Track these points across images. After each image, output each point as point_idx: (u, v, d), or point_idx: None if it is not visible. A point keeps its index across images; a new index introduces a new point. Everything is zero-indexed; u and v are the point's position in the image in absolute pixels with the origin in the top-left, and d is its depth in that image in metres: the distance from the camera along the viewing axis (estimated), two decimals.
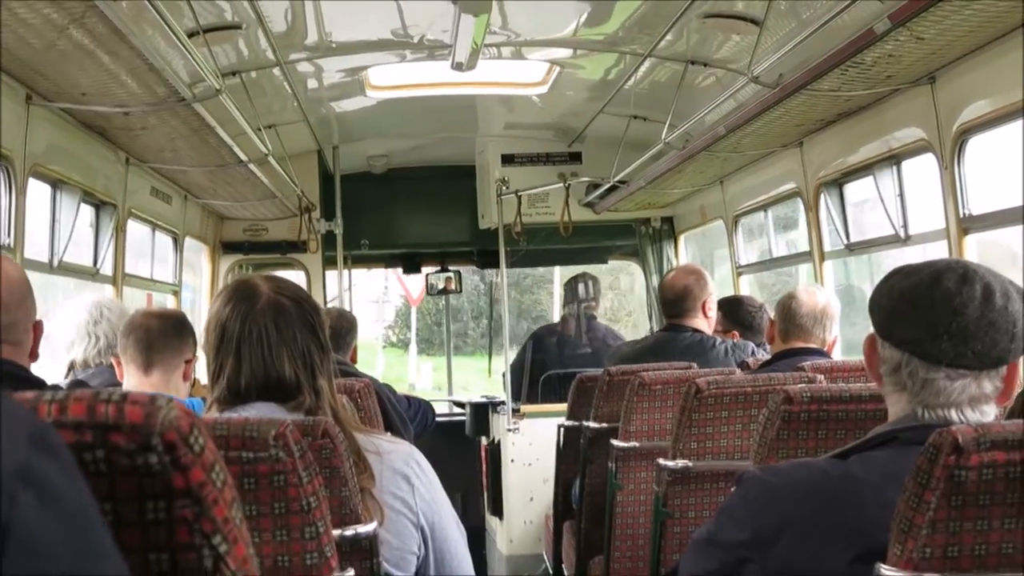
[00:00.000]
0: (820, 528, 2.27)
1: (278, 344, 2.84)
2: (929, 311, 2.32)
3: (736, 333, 6.84)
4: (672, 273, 6.64)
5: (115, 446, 1.14)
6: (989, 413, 2.35)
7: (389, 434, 3.17)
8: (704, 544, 2.53)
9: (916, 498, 2.00)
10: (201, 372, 7.07)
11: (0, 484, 0.89)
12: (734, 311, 6.82)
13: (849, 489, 2.29)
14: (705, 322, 6.23)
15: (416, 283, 14.92)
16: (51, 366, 4.92)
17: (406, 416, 5.67)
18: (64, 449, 1.00)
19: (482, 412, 9.20)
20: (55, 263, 5.43)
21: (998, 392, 2.35)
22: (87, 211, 5.99)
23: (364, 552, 2.65)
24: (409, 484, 2.89)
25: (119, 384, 4.25)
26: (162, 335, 4.19)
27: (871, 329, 2.48)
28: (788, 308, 5.16)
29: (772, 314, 5.40)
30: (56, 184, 5.43)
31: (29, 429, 0.97)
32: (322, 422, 2.60)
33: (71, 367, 4.89)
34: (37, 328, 3.16)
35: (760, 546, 2.33)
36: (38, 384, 3.09)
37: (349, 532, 2.60)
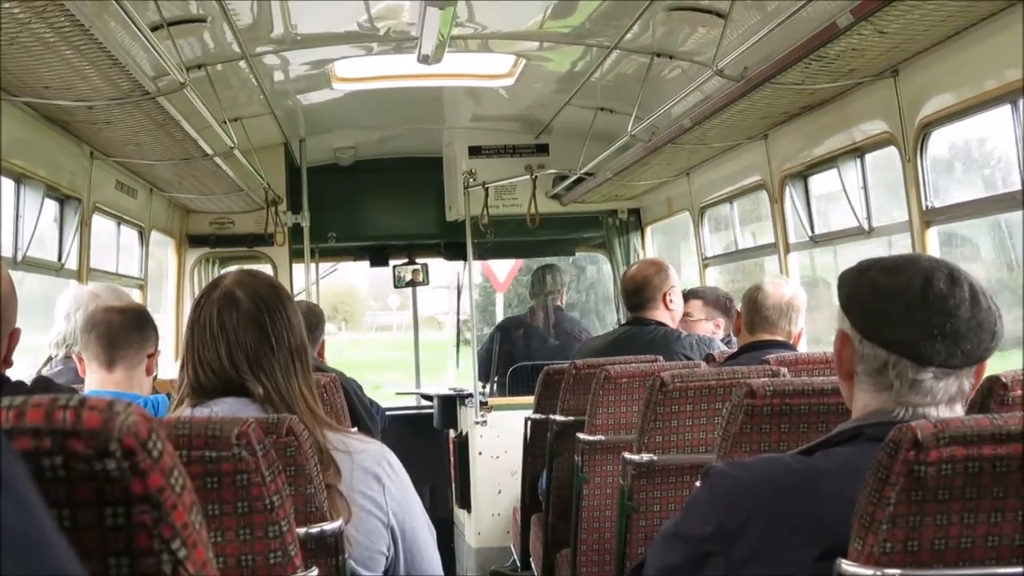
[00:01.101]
0: (784, 522, 2.28)
1: (217, 337, 2.86)
2: (924, 313, 2.32)
3: (720, 322, 6.89)
4: (634, 266, 6.69)
5: (73, 452, 1.14)
6: (959, 411, 2.37)
7: (360, 433, 3.16)
8: (670, 538, 2.54)
9: (876, 493, 2.02)
10: (164, 366, 7.05)
11: None
12: (716, 299, 6.89)
13: (813, 484, 2.30)
14: (667, 314, 6.25)
15: (503, 267, 13.90)
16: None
17: (372, 411, 5.66)
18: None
19: (450, 405, 9.19)
20: (19, 258, 5.39)
21: (972, 389, 2.39)
22: (51, 206, 5.95)
23: (330, 550, 2.65)
24: (380, 484, 2.89)
25: (82, 382, 4.22)
26: (124, 330, 4.16)
27: (839, 325, 2.48)
28: (754, 300, 5.18)
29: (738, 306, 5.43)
30: (19, 179, 5.40)
31: None
32: (286, 419, 2.60)
33: (48, 360, 4.87)
34: (13, 336, 3.12)
35: (725, 540, 2.34)
36: None
37: (315, 530, 2.60)
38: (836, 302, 2.50)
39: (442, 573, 3.14)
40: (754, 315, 5.17)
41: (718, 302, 7.06)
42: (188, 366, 2.91)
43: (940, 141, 5.05)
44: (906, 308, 2.33)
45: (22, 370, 4.67)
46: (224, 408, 2.79)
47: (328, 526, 2.62)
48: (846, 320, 2.44)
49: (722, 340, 6.69)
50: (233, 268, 3.15)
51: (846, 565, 2.05)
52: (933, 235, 5.00)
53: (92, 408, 1.15)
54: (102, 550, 1.16)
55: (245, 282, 2.94)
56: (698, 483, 2.57)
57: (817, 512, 2.25)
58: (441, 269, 11.79)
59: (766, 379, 3.13)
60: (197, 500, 1.24)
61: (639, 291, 6.30)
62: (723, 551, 2.34)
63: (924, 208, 5.00)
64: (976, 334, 2.30)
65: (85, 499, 1.14)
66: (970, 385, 2.38)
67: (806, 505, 2.27)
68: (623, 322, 7.03)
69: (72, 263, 6.22)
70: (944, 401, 2.35)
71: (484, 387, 8.85)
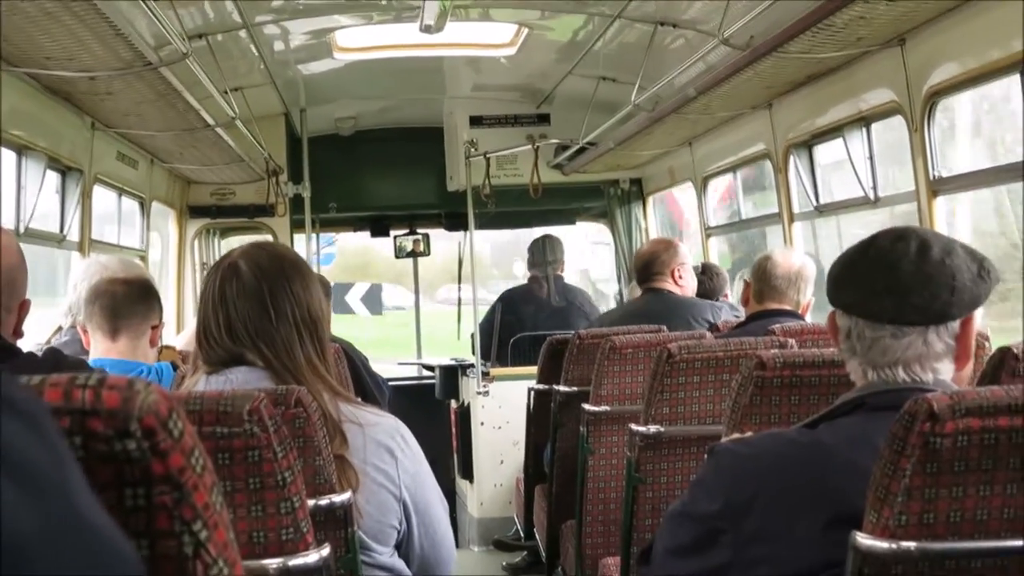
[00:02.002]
0: (791, 496, 2.28)
1: (218, 308, 2.88)
2: (866, 271, 2.37)
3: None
4: (646, 244, 6.86)
5: (93, 432, 1.12)
6: (943, 371, 2.36)
7: (373, 405, 3.15)
8: (677, 517, 2.54)
9: (892, 465, 2.01)
10: (168, 335, 7.03)
11: None
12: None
13: (818, 456, 2.30)
14: (677, 289, 6.39)
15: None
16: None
17: (380, 383, 5.65)
18: (34, 409, 0.94)
19: (451, 375, 9.19)
20: (21, 230, 5.38)
21: (951, 351, 2.36)
22: (53, 177, 5.93)
23: (339, 522, 2.64)
24: (393, 457, 2.89)
25: (87, 353, 4.21)
26: (128, 301, 4.15)
27: None
28: (763, 269, 5.17)
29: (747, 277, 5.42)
30: (21, 150, 5.37)
31: None
32: (295, 391, 2.59)
33: (58, 329, 4.85)
34: (23, 307, 3.11)
35: (733, 516, 2.34)
36: (10, 351, 3.05)
37: (324, 502, 2.59)
38: None
39: (454, 547, 3.15)
40: (763, 284, 5.16)
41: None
42: (198, 338, 2.92)
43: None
44: (852, 269, 2.41)
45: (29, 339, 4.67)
46: (239, 376, 2.81)
47: (337, 498, 2.62)
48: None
49: None
50: (247, 242, 3.15)
51: (861, 538, 2.04)
52: (940, 204, 4.98)
53: (112, 387, 1.14)
54: (122, 532, 1.15)
55: (250, 254, 2.94)
56: (705, 459, 2.57)
57: (823, 484, 2.26)
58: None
59: (776, 351, 3.11)
60: (217, 481, 1.23)
61: (648, 265, 6.46)
62: (731, 527, 2.34)
63: (931, 178, 4.97)
64: (926, 288, 2.31)
65: (105, 480, 1.13)
66: (946, 346, 2.36)
67: (812, 478, 2.28)
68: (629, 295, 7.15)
69: (74, 235, 6.20)
70: (912, 361, 2.35)
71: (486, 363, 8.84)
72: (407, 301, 12.52)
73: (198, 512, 1.18)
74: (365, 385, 5.24)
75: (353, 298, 16.59)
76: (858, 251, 2.42)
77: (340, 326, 9.68)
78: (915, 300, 2.31)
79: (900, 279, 2.32)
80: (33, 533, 0.86)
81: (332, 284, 7.27)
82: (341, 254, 17.19)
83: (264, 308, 2.87)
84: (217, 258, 3.01)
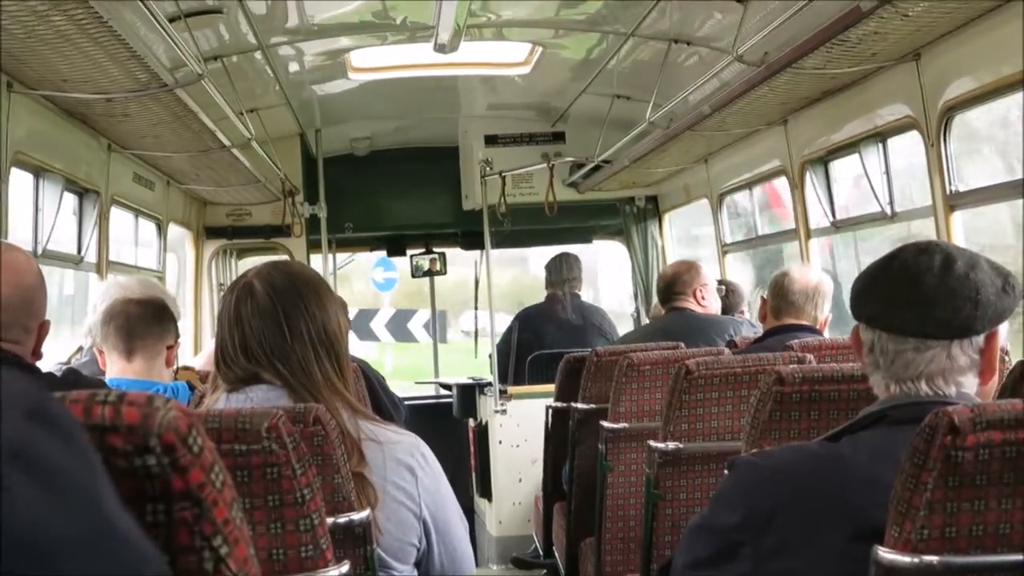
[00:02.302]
0: (812, 509, 2.28)
1: (234, 327, 2.89)
2: (888, 283, 2.37)
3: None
4: (668, 266, 6.96)
5: (113, 448, 1.12)
6: (967, 385, 2.35)
7: (393, 425, 3.15)
8: (697, 531, 2.53)
9: (913, 479, 2.00)
10: (186, 357, 7.02)
11: None
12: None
13: (839, 469, 2.29)
14: (700, 308, 6.49)
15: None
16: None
17: (396, 402, 5.65)
18: (64, 418, 0.95)
19: (469, 394, 9.18)
20: (39, 251, 5.39)
21: (975, 365, 2.35)
22: (70, 199, 5.95)
23: (358, 539, 2.64)
24: (413, 475, 2.88)
25: (103, 374, 4.22)
26: (143, 322, 4.16)
27: None
28: (780, 285, 5.17)
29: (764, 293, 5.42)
30: (38, 172, 5.39)
31: (27, 403, 0.92)
32: (313, 408, 2.59)
33: (79, 349, 4.87)
34: (42, 328, 3.12)
35: (753, 529, 2.33)
36: (29, 372, 3.06)
37: (343, 520, 2.59)
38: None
39: (474, 565, 3.14)
40: (780, 300, 5.16)
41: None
42: (216, 359, 2.93)
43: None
44: (874, 282, 2.41)
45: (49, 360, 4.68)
46: (258, 395, 2.81)
47: (356, 516, 2.61)
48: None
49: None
50: (264, 261, 3.17)
51: (883, 552, 2.03)
52: (957, 219, 4.97)
53: (131, 404, 1.14)
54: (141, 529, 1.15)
55: (264, 273, 2.95)
56: (725, 473, 2.57)
57: (844, 497, 2.25)
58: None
59: (795, 366, 3.11)
60: (237, 497, 1.23)
61: (670, 286, 6.57)
62: (751, 541, 2.33)
63: (948, 192, 4.96)
64: (949, 301, 2.30)
65: (125, 496, 1.12)
66: (970, 360, 2.35)
67: (833, 491, 2.27)
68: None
69: (91, 256, 6.21)
70: (936, 375, 2.34)
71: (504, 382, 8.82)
72: (472, 326, 12.41)
73: (218, 527, 1.18)
74: (381, 404, 5.24)
75: (416, 325, 15.89)
76: (881, 265, 2.42)
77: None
78: (938, 313, 2.30)
79: (923, 292, 2.32)
80: (64, 538, 0.87)
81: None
82: (403, 280, 15.98)
83: (279, 327, 2.87)
84: (233, 279, 3.04)
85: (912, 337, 2.33)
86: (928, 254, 2.35)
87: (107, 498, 0.95)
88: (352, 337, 15.84)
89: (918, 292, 2.32)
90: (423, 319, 15.58)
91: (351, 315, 16.10)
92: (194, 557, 1.17)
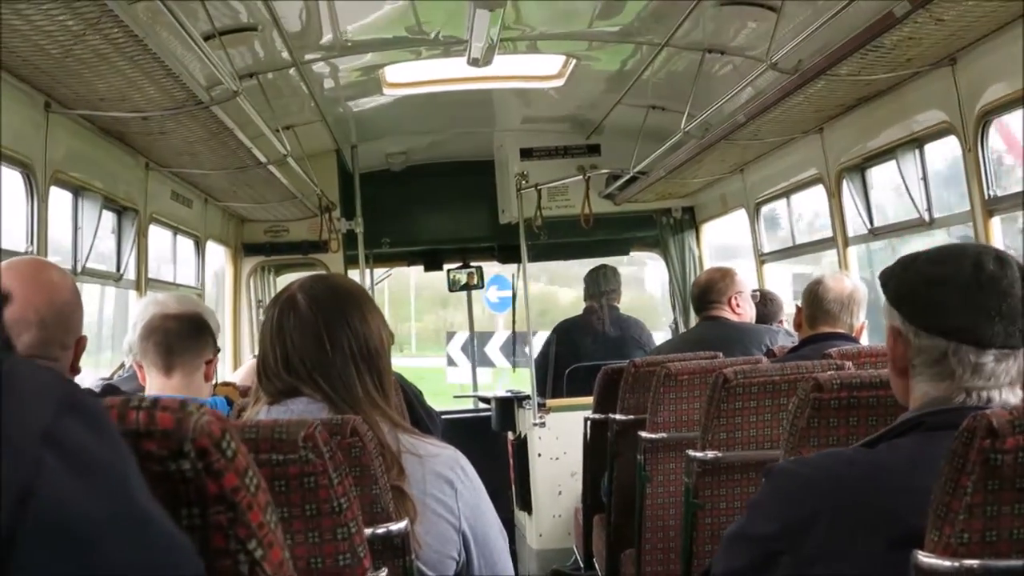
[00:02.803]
0: (850, 516, 2.26)
1: (275, 341, 2.90)
2: (979, 296, 2.32)
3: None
4: (703, 273, 6.94)
5: (147, 453, 1.13)
6: (1020, 392, 2.35)
7: (433, 438, 3.15)
8: (735, 540, 2.52)
9: (952, 483, 1.98)
10: (225, 372, 7.05)
11: (22, 446, 0.87)
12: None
13: (877, 476, 2.28)
14: (735, 316, 6.49)
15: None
16: None
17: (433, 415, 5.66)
18: (97, 411, 0.97)
19: (508, 407, 9.17)
20: (78, 269, 5.44)
21: None
22: (109, 217, 6.00)
23: (396, 551, 2.64)
24: (453, 488, 2.88)
25: (143, 389, 4.25)
26: (180, 337, 4.18)
27: (888, 321, 2.47)
28: (815, 294, 5.15)
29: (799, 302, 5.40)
30: (77, 191, 5.44)
31: (58, 393, 0.95)
32: (350, 420, 2.59)
33: (120, 366, 4.90)
34: (79, 344, 3.14)
35: (792, 537, 2.32)
36: None
37: (381, 530, 2.59)
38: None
39: None
40: (815, 309, 5.13)
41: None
42: (258, 371, 2.95)
43: None
44: (961, 294, 2.34)
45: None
46: (299, 407, 2.82)
47: (394, 526, 2.62)
48: (896, 315, 2.44)
49: None
50: (307, 275, 3.19)
51: (923, 557, 2.02)
52: (996, 224, 4.93)
53: (165, 409, 1.15)
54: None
55: (307, 287, 2.96)
56: (762, 482, 2.55)
57: (882, 504, 2.23)
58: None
59: (832, 372, 3.08)
60: (271, 500, 1.23)
61: (705, 293, 6.58)
62: (790, 549, 2.32)
63: (986, 197, 4.93)
64: None
65: (160, 500, 1.13)
66: None
67: (871, 497, 2.26)
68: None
69: (130, 273, 6.26)
70: (1006, 384, 2.33)
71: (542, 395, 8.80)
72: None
73: (253, 531, 1.18)
74: (418, 417, 5.24)
75: (492, 348, 15.34)
76: (962, 273, 2.35)
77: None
78: (1022, 325, 2.31)
79: (1014, 306, 2.31)
80: (96, 520, 0.89)
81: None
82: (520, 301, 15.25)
83: (320, 341, 2.88)
84: (272, 295, 3.06)
85: (997, 349, 2.32)
86: (1009, 266, 2.34)
87: (137, 484, 0.97)
88: (462, 360, 15.07)
89: (1009, 305, 2.31)
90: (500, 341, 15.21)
91: (461, 341, 15.42)
92: (229, 561, 1.18)
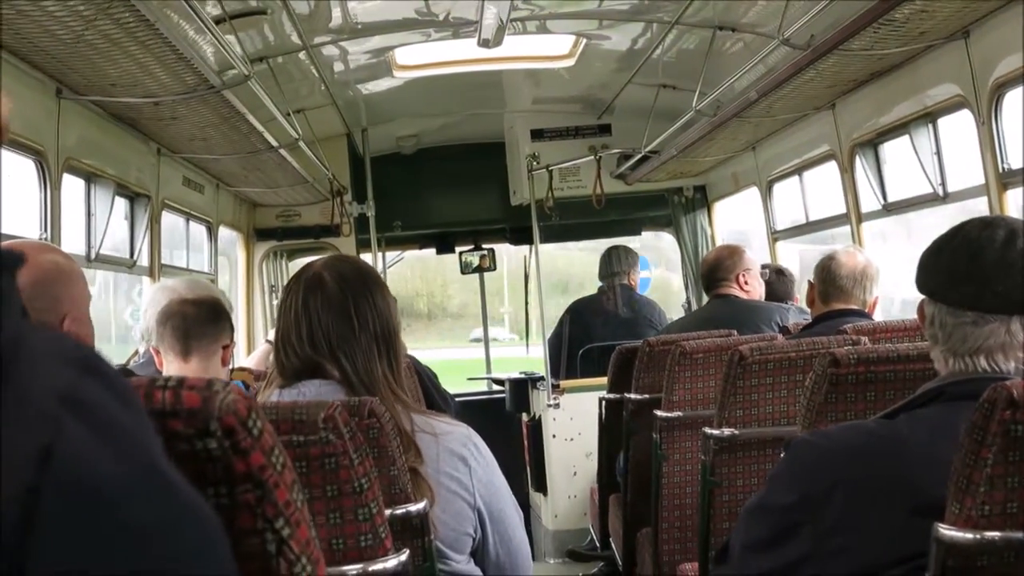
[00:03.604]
0: (871, 486, 2.27)
1: (300, 319, 2.91)
2: (949, 256, 2.37)
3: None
4: (711, 251, 6.94)
5: (174, 432, 1.14)
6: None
7: (445, 416, 3.16)
8: (755, 511, 2.52)
9: (973, 455, 1.98)
10: (239, 357, 7.06)
11: (43, 410, 0.87)
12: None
13: (897, 447, 2.28)
14: (743, 294, 6.50)
15: None
16: None
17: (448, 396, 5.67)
18: (116, 375, 0.97)
19: (522, 388, 9.18)
20: (92, 256, 5.45)
21: None
22: (121, 203, 6.01)
23: (415, 531, 2.65)
24: (466, 465, 2.89)
25: (160, 374, 4.26)
26: (198, 322, 4.19)
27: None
28: (828, 270, 5.14)
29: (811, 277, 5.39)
30: (90, 177, 5.45)
31: (78, 356, 0.95)
32: (368, 402, 2.60)
33: (135, 353, 4.92)
34: (64, 319, 3.15)
35: (811, 508, 2.32)
36: None
37: (400, 511, 2.60)
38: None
39: (530, 553, 3.14)
40: (828, 285, 5.12)
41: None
42: (276, 348, 2.95)
43: None
44: (937, 254, 2.40)
45: None
46: (311, 390, 2.83)
47: (414, 507, 2.63)
48: (922, 293, 2.48)
49: None
50: (326, 255, 3.20)
51: (944, 529, 2.01)
52: (1011, 197, 4.92)
53: (191, 388, 1.15)
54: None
55: (333, 265, 2.97)
56: (782, 455, 2.56)
57: (903, 475, 2.24)
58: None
59: (849, 347, 3.08)
60: (297, 479, 1.23)
61: (713, 271, 6.59)
62: (810, 520, 2.32)
63: (1001, 170, 4.92)
64: (1009, 275, 2.29)
65: (187, 479, 1.14)
66: None
67: (891, 468, 2.26)
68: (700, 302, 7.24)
69: (144, 260, 6.27)
70: (995, 349, 2.32)
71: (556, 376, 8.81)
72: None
73: (280, 509, 1.19)
74: (433, 399, 5.25)
75: None
76: (946, 237, 2.41)
77: None
78: (997, 288, 2.29)
79: (982, 266, 2.31)
80: (116, 481, 0.90)
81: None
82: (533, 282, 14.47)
83: (348, 318, 2.89)
84: (285, 280, 3.05)
85: (970, 311, 2.32)
86: (992, 228, 2.34)
87: (157, 451, 0.98)
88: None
89: (977, 266, 2.31)
90: None
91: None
92: (257, 539, 1.18)
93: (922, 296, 2.46)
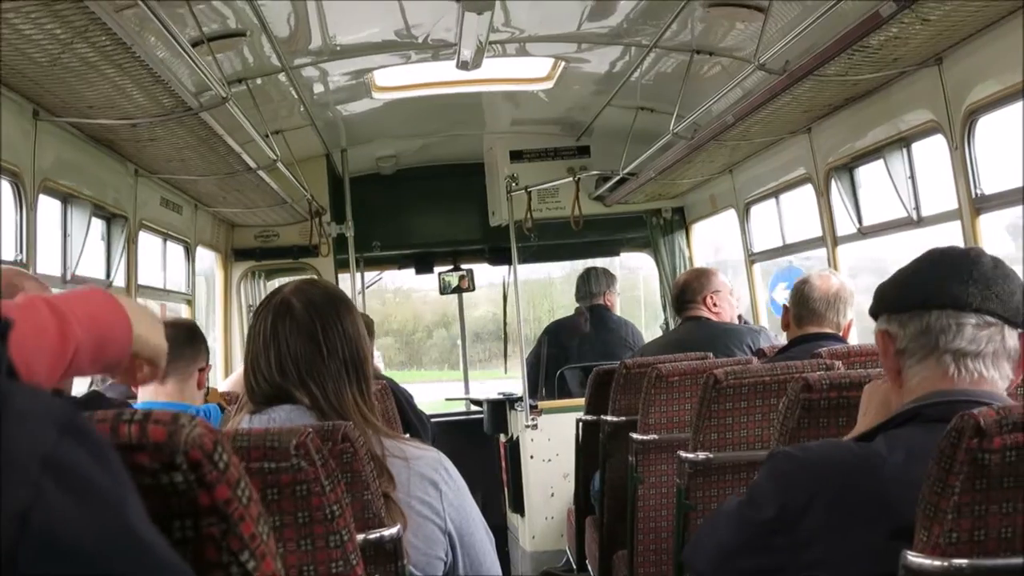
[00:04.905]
0: (848, 501, 2.29)
1: (269, 345, 2.90)
2: (949, 264, 2.42)
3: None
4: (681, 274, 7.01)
5: (140, 465, 1.14)
6: (1004, 377, 2.41)
7: (417, 440, 3.16)
8: (733, 516, 2.54)
9: (940, 483, 2.00)
10: (216, 379, 7.05)
11: (22, 471, 0.88)
12: None
13: (874, 466, 2.30)
14: (713, 315, 6.54)
15: None
16: None
17: (424, 418, 5.67)
18: (93, 433, 0.98)
19: (500, 409, 9.18)
20: (68, 277, 5.43)
21: (1016, 357, 2.40)
22: (98, 224, 6.00)
23: (389, 555, 2.65)
24: (437, 490, 2.89)
25: (134, 396, 4.25)
26: (175, 345, 4.17)
27: (876, 330, 2.54)
28: (801, 293, 5.16)
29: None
30: (66, 198, 5.44)
31: (59, 417, 0.95)
32: (341, 427, 2.60)
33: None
34: None
35: (788, 518, 2.34)
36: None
37: (373, 536, 2.60)
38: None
39: None
40: (801, 308, 5.14)
41: None
42: (246, 373, 2.95)
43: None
44: (932, 266, 2.45)
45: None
46: (282, 415, 2.82)
47: (387, 532, 2.62)
48: (881, 320, 2.52)
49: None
50: (296, 279, 3.18)
51: (912, 556, 2.03)
52: (983, 223, 4.95)
53: (157, 422, 1.15)
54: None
55: (302, 290, 2.97)
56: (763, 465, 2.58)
57: (880, 493, 2.26)
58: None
59: (822, 372, 3.10)
60: (264, 511, 1.24)
61: (682, 294, 6.66)
62: (785, 530, 2.34)
63: (974, 196, 4.95)
64: (1004, 282, 2.38)
65: (152, 513, 1.13)
66: (1015, 349, 2.40)
67: (869, 485, 2.29)
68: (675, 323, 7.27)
69: (120, 280, 6.25)
70: (990, 355, 2.37)
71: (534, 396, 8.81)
72: None
73: (245, 543, 1.19)
74: (410, 422, 5.26)
75: None
76: (931, 255, 2.48)
77: None
78: (997, 290, 2.37)
79: (984, 272, 2.38)
80: (91, 543, 0.90)
81: None
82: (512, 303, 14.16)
83: (316, 345, 2.88)
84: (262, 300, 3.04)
85: (974, 313, 2.36)
86: (974, 250, 2.45)
87: (134, 511, 0.98)
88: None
89: (979, 271, 2.38)
90: None
91: None
92: (221, 572, 1.18)
93: (885, 322, 2.49)
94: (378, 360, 6.28)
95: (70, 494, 0.90)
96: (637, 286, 13.71)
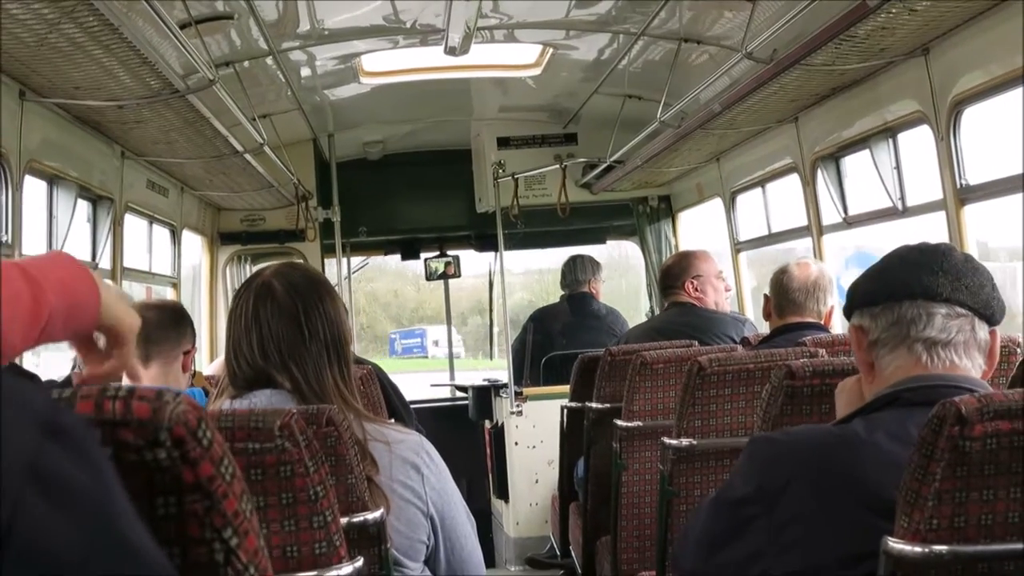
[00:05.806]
0: (826, 482, 2.30)
1: (251, 328, 2.89)
2: (921, 257, 2.46)
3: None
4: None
5: (123, 442, 1.14)
6: (979, 366, 2.43)
7: (398, 424, 3.17)
8: (714, 504, 2.55)
9: (921, 470, 2.01)
10: (202, 362, 7.04)
11: (3, 485, 0.86)
12: None
13: (854, 447, 2.32)
14: (695, 300, 6.53)
15: None
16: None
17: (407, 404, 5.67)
18: (78, 432, 0.97)
19: (485, 396, 9.18)
20: None
21: (987, 349, 2.44)
22: (84, 206, 5.98)
23: (372, 539, 2.65)
24: (419, 473, 2.90)
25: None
26: (160, 327, 4.18)
27: (850, 326, 2.59)
28: (780, 283, 5.18)
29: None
30: (52, 180, 5.42)
31: (40, 415, 0.94)
32: (326, 410, 2.60)
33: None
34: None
35: (767, 500, 2.35)
36: (30, 379, 3.07)
37: (357, 519, 2.61)
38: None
39: (482, 560, 3.15)
40: (781, 298, 5.16)
41: None
42: (227, 357, 2.94)
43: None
44: (902, 261, 2.49)
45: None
46: (262, 400, 2.82)
47: (370, 515, 2.63)
48: (854, 316, 2.55)
49: None
50: (276, 263, 3.17)
51: (892, 542, 2.04)
52: (968, 213, 4.97)
53: (141, 398, 1.16)
54: (163, 553, 1.17)
55: (283, 273, 2.96)
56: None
57: (859, 474, 2.28)
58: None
59: (805, 360, 3.11)
60: (247, 489, 1.24)
61: (664, 278, 6.71)
62: (765, 512, 2.35)
63: (959, 186, 4.97)
64: (974, 275, 2.42)
65: (136, 489, 1.14)
66: (986, 342, 2.44)
67: (848, 467, 2.30)
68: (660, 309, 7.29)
69: (106, 263, 6.24)
70: (961, 345, 2.40)
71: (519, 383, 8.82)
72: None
73: (228, 519, 1.20)
74: (395, 408, 5.25)
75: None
76: (900, 251, 2.52)
77: None
78: (967, 282, 2.40)
79: (954, 264, 2.42)
80: (76, 552, 0.89)
81: None
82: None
83: (298, 327, 2.88)
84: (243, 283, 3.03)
85: (944, 304, 2.39)
86: (945, 245, 2.49)
87: (120, 511, 0.97)
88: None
89: (950, 263, 2.42)
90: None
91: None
92: (204, 549, 1.19)
93: (858, 317, 2.52)
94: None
95: (53, 502, 0.89)
96: (624, 273, 13.75)
